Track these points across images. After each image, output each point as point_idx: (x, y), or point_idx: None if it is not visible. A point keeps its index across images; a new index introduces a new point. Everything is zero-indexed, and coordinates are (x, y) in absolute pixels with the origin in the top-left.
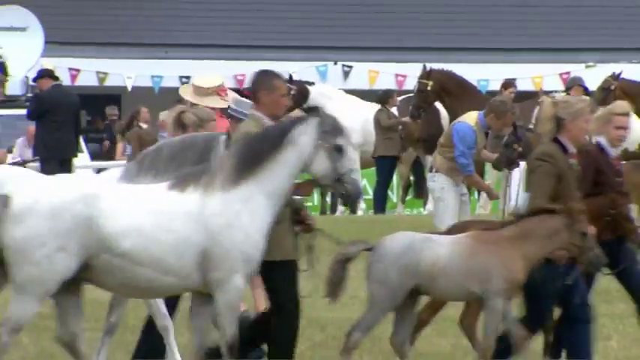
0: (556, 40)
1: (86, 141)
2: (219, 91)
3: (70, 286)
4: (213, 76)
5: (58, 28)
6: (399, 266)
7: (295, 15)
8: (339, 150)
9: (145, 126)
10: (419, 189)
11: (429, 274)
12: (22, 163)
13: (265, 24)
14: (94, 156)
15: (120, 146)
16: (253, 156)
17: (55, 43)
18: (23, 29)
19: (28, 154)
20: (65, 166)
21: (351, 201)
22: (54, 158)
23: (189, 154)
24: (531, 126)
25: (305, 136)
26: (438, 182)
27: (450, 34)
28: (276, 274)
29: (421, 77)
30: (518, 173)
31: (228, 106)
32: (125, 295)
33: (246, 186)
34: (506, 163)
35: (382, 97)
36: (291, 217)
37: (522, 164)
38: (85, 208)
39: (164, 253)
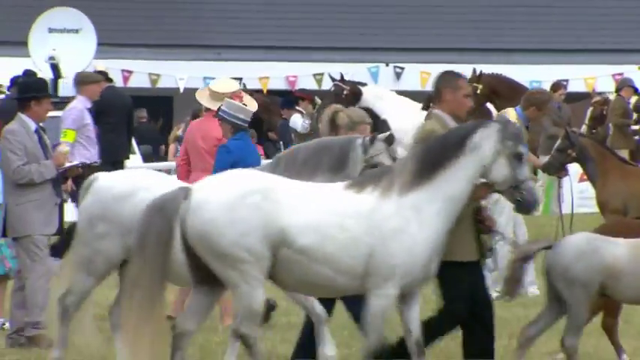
0: (609, 41)
1: (138, 143)
2: (234, 96)
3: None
4: (229, 82)
5: (110, 29)
6: (585, 264)
7: (347, 17)
8: (519, 157)
9: None
10: None
11: (612, 273)
12: (85, 166)
13: (317, 25)
14: (146, 157)
15: (172, 147)
16: (434, 161)
17: (107, 44)
18: (76, 31)
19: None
20: (118, 168)
21: (526, 208)
22: (107, 160)
23: (325, 158)
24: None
25: (486, 141)
26: None
27: (502, 35)
28: (452, 273)
29: (471, 80)
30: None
31: (219, 108)
32: (303, 292)
33: (421, 192)
34: (558, 169)
35: (430, 97)
36: (473, 217)
37: (572, 168)
38: (261, 199)
39: (339, 251)
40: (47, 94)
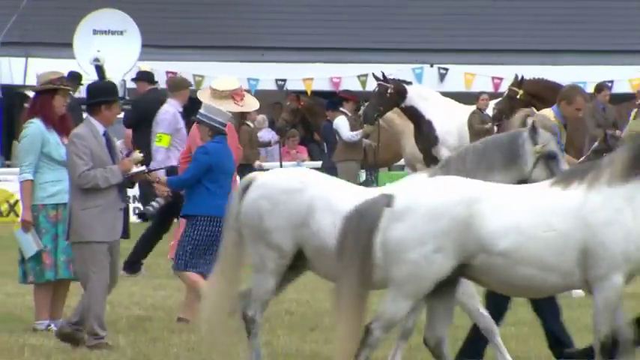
0: None
1: None
2: (234, 94)
3: (443, 289)
4: (230, 80)
5: (155, 31)
6: None
7: (391, 17)
8: None
9: (252, 125)
10: None
11: None
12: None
13: (361, 26)
14: None
15: None
16: None
17: (151, 46)
18: (121, 33)
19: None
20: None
21: None
22: (148, 163)
23: (497, 155)
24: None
25: None
26: None
27: (546, 36)
28: None
29: (512, 84)
30: None
31: (198, 112)
32: (507, 293)
33: (634, 183)
34: None
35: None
36: None
37: None
38: (464, 210)
39: (543, 250)
40: (117, 98)
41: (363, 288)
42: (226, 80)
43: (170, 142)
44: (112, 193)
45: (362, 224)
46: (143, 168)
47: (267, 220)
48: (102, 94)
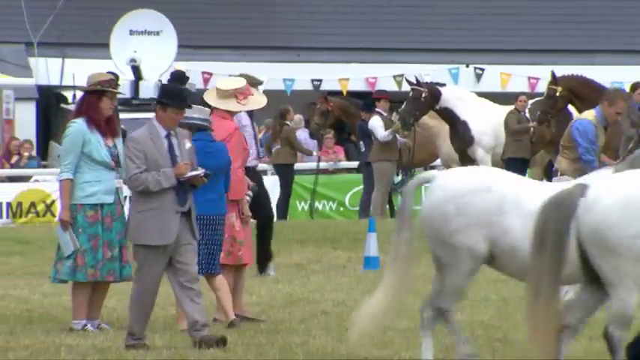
0: None
1: None
2: (237, 93)
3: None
4: (236, 79)
5: (191, 32)
6: None
7: (427, 18)
8: None
9: (290, 124)
10: None
11: None
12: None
13: (398, 26)
14: None
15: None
16: None
17: (188, 46)
18: (157, 33)
19: None
20: None
21: None
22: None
23: None
24: None
25: None
26: None
27: (582, 36)
28: None
29: (550, 83)
30: None
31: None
32: None
33: None
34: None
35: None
36: None
37: None
38: None
39: None
40: (183, 105)
41: (559, 279)
42: (231, 80)
43: None
44: (168, 197)
45: (557, 215)
46: (200, 171)
47: (454, 222)
48: (170, 97)
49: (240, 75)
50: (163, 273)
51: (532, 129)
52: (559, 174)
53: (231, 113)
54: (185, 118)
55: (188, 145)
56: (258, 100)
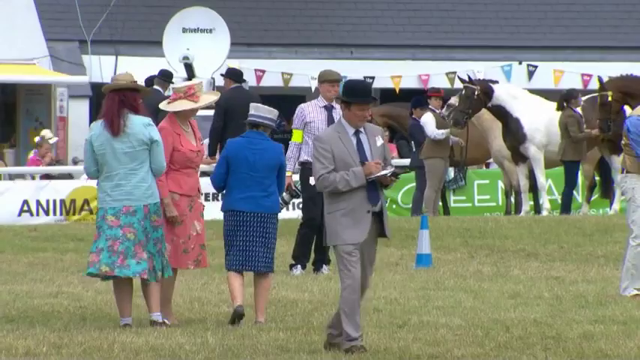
0: None
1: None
2: (187, 92)
3: None
4: (187, 82)
5: (243, 29)
6: None
7: (480, 15)
8: None
9: None
10: (605, 189)
11: None
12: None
13: (450, 24)
14: None
15: None
16: None
17: (240, 44)
18: (210, 31)
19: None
20: None
21: None
22: None
23: None
24: None
25: None
26: (628, 183)
27: (635, 32)
28: None
29: (600, 89)
30: None
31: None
32: None
33: None
34: None
35: (565, 97)
36: None
37: None
38: None
39: None
40: (367, 100)
41: None
42: (182, 83)
43: (302, 137)
44: (358, 196)
45: None
46: (388, 170)
47: None
48: (352, 93)
49: (322, 71)
50: (360, 270)
51: (587, 128)
52: (624, 172)
53: (187, 115)
54: (250, 115)
55: (380, 142)
56: (208, 97)
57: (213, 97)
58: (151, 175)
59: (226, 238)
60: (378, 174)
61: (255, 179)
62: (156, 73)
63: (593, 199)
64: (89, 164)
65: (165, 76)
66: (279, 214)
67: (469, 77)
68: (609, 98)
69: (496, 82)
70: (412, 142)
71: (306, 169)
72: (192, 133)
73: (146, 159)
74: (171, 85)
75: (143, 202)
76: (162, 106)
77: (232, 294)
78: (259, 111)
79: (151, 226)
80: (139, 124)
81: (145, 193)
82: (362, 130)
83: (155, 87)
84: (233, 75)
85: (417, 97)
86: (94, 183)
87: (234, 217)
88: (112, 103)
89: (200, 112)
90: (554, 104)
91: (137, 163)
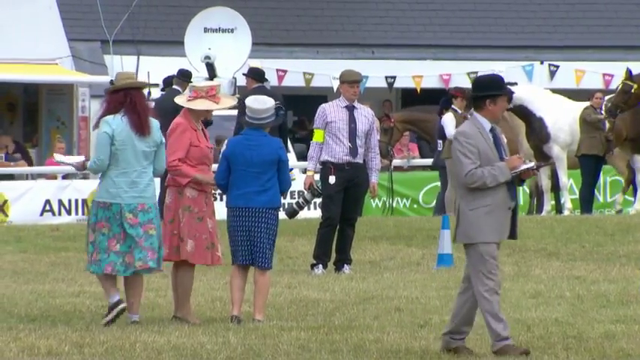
0: None
1: (292, 141)
2: (208, 92)
3: None
4: (208, 82)
5: (265, 29)
6: None
7: (502, 15)
8: None
9: None
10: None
11: None
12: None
13: (471, 23)
14: (300, 156)
15: None
16: None
17: (262, 44)
18: (231, 30)
19: None
20: None
21: None
22: None
23: None
24: None
25: None
26: None
27: None
28: None
29: (626, 78)
30: None
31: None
32: None
33: None
34: None
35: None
36: None
37: None
38: None
39: None
40: (501, 92)
41: None
42: (203, 82)
43: (324, 137)
44: (501, 192)
45: None
46: (532, 164)
47: None
48: (486, 88)
49: (342, 72)
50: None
51: (608, 125)
52: None
53: (201, 113)
54: (249, 118)
55: (505, 139)
56: (227, 101)
57: (232, 102)
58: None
59: (228, 233)
60: (522, 167)
61: (253, 175)
62: (176, 73)
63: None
64: (105, 157)
65: (185, 76)
66: (301, 213)
67: None
68: (633, 90)
69: (515, 83)
70: (439, 142)
71: (326, 167)
72: (202, 131)
73: (152, 160)
74: (191, 83)
75: (153, 200)
76: (181, 102)
77: (231, 299)
78: (255, 113)
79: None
80: (155, 125)
81: (154, 193)
82: (494, 126)
83: (174, 87)
84: (255, 75)
85: (446, 99)
86: None
87: (232, 213)
88: (141, 101)
89: (221, 112)
90: (577, 104)
91: (148, 162)
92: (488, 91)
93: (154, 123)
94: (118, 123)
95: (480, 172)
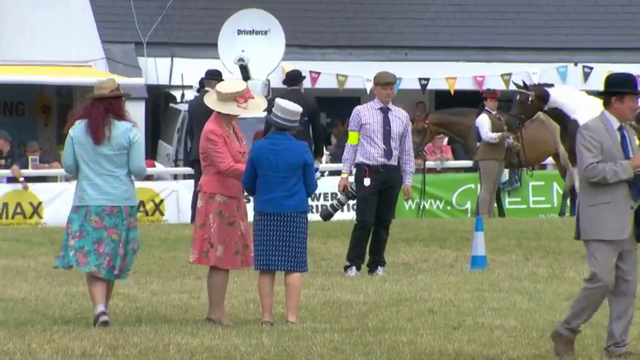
0: None
1: (326, 144)
2: (237, 97)
3: None
4: (236, 82)
5: (298, 31)
6: None
7: (535, 17)
8: None
9: None
10: None
11: None
12: None
13: (505, 25)
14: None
15: None
16: None
17: (295, 46)
18: (265, 32)
19: None
20: None
21: None
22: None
23: None
24: None
25: None
26: None
27: None
28: None
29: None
30: None
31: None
32: None
33: None
34: None
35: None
36: None
37: None
38: None
39: None
40: (633, 91)
41: None
42: (231, 83)
43: (358, 139)
44: (622, 190)
45: None
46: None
47: None
48: (612, 85)
49: (378, 73)
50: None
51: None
52: None
53: (231, 117)
54: (276, 117)
55: (638, 141)
56: (259, 103)
57: (262, 106)
58: (129, 178)
59: (254, 238)
60: None
61: (278, 180)
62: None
63: None
64: (67, 158)
65: (214, 75)
66: (336, 215)
67: (524, 83)
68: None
69: (551, 85)
70: (477, 144)
71: (361, 170)
72: (234, 135)
73: (125, 163)
74: (218, 85)
75: (122, 203)
76: (211, 104)
77: (261, 305)
78: (286, 114)
79: (128, 226)
80: (121, 129)
81: (124, 195)
82: (624, 125)
83: (206, 88)
84: (293, 78)
85: (482, 103)
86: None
87: (259, 218)
88: (98, 112)
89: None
90: None
91: (116, 165)
92: (614, 89)
93: (120, 127)
94: (80, 128)
95: (600, 167)
